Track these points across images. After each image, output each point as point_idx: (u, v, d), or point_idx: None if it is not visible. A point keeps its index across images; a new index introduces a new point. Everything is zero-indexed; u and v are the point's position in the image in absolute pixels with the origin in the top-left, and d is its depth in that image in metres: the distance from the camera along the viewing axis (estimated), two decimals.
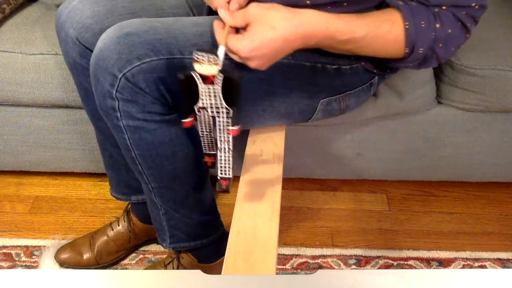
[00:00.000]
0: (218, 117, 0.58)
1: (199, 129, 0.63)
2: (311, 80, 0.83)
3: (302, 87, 0.84)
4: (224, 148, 0.60)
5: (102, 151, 1.03)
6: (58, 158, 1.25)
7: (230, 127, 0.59)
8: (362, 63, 0.84)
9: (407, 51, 0.73)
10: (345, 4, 0.75)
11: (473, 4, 0.71)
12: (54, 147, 1.23)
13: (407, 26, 0.71)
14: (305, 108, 0.86)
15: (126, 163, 0.89)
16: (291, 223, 1.24)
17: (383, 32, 0.71)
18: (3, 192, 1.31)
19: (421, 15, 0.71)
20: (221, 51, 0.63)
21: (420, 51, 0.73)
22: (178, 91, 0.75)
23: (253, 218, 0.64)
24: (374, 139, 1.19)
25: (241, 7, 0.70)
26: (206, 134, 0.63)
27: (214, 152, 0.63)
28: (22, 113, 1.16)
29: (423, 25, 0.71)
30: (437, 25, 0.71)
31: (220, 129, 0.60)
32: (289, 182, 1.34)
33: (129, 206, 1.13)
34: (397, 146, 1.21)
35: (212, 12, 0.82)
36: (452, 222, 1.26)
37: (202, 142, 0.66)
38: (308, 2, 0.72)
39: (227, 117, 0.58)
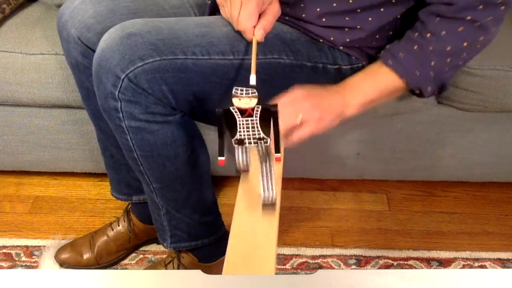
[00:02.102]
0: (257, 147, 0.60)
1: (236, 164, 0.64)
2: (312, 81, 0.83)
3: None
4: (266, 176, 0.61)
5: (103, 151, 1.03)
6: (58, 158, 1.25)
7: (275, 154, 0.61)
8: (363, 63, 0.84)
9: (417, 92, 0.81)
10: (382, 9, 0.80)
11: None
12: (54, 147, 1.23)
13: (405, 80, 0.78)
14: None
15: (127, 163, 0.89)
16: (291, 223, 1.24)
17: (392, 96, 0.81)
18: (3, 192, 1.31)
19: (412, 64, 0.76)
20: (252, 79, 0.65)
21: (429, 89, 0.80)
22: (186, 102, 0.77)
23: (253, 218, 0.64)
24: (374, 139, 1.19)
25: (266, 32, 0.72)
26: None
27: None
28: (22, 113, 1.16)
29: (417, 73, 0.77)
30: (432, 63, 0.76)
31: (260, 159, 0.61)
32: (289, 182, 1.34)
33: (129, 206, 1.13)
34: (397, 146, 1.20)
35: (215, 12, 0.82)
36: (452, 222, 1.26)
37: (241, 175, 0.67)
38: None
39: (265, 146, 0.60)
